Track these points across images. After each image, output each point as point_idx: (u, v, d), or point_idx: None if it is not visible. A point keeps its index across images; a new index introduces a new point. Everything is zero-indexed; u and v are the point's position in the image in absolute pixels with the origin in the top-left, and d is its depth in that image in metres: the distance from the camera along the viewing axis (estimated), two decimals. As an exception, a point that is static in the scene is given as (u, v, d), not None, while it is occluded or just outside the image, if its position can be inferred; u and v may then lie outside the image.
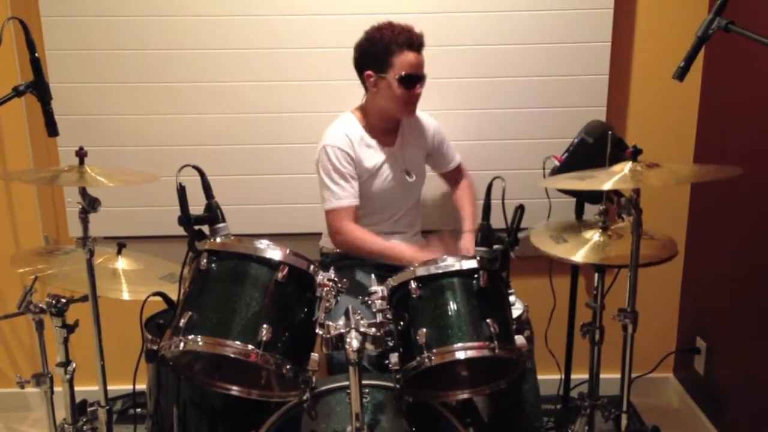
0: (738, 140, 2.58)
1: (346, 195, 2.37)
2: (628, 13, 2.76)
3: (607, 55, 2.74)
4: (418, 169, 2.58)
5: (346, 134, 2.42)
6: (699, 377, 2.89)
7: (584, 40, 2.72)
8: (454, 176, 2.73)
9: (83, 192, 1.91)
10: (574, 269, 2.67)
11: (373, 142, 2.47)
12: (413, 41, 2.33)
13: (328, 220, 2.40)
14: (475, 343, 1.63)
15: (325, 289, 1.73)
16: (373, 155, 2.46)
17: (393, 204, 2.54)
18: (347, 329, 1.64)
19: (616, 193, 2.05)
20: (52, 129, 1.88)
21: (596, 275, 2.24)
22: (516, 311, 2.16)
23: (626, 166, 1.86)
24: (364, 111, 2.50)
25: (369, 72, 2.38)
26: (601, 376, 2.31)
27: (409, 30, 2.34)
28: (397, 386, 1.73)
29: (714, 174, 1.86)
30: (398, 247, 2.37)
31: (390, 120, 2.48)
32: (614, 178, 1.82)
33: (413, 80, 2.34)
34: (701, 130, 2.86)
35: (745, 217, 2.52)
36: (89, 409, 2.14)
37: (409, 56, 2.32)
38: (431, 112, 2.62)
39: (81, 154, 1.96)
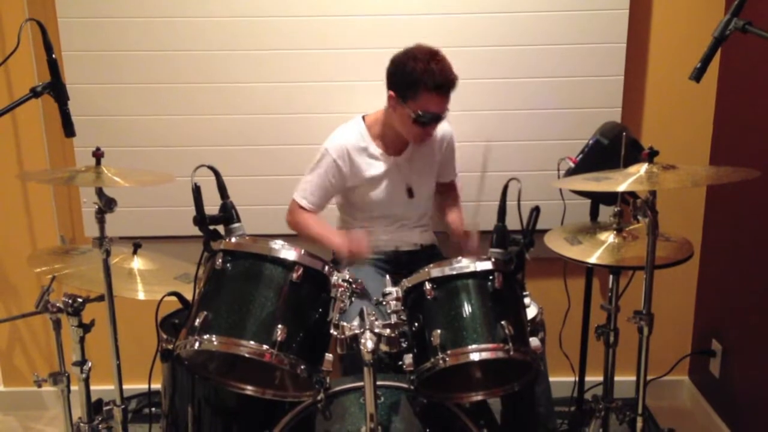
0: (755, 141, 2.56)
1: (310, 199, 2.48)
2: (643, 14, 2.74)
3: (623, 56, 2.73)
4: (423, 184, 2.56)
5: (347, 146, 2.45)
6: (714, 380, 2.87)
7: (599, 41, 2.71)
8: (446, 189, 2.70)
9: (100, 192, 1.92)
10: (589, 271, 2.66)
11: (378, 152, 2.48)
12: (443, 86, 2.27)
13: (291, 201, 2.52)
14: (490, 345, 1.63)
15: (340, 289, 1.73)
16: (374, 165, 2.47)
17: (394, 213, 2.54)
18: (362, 330, 1.64)
19: (632, 194, 2.04)
20: (69, 129, 1.89)
21: (611, 277, 2.23)
22: (530, 313, 2.15)
23: (642, 168, 1.86)
24: (379, 120, 2.49)
25: (392, 93, 2.35)
26: (616, 378, 2.29)
27: (445, 73, 2.27)
28: (411, 387, 1.73)
29: (731, 176, 1.85)
30: (329, 235, 2.41)
31: (401, 136, 2.46)
32: (630, 179, 1.82)
33: (430, 121, 2.32)
34: (717, 132, 2.84)
35: (762, 218, 2.50)
36: (105, 408, 2.16)
37: (434, 99, 2.28)
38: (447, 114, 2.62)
39: (98, 155, 1.97)
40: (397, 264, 2.50)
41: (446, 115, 2.38)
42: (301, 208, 2.48)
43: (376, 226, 2.54)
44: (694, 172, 1.90)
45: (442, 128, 2.57)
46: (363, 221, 2.56)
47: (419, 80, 2.26)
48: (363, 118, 2.53)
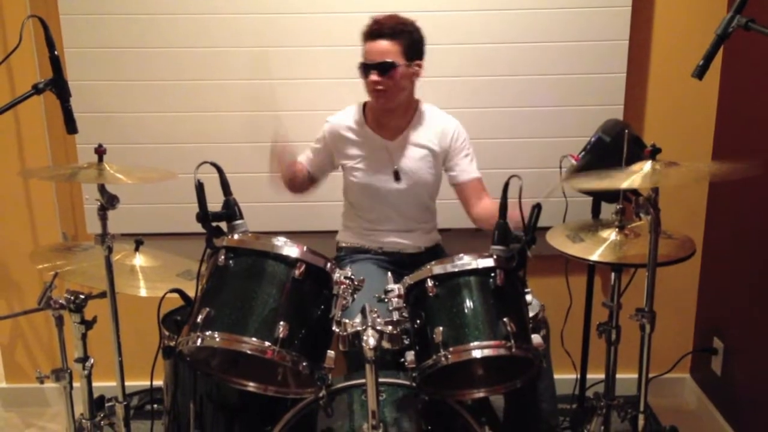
0: (757, 139, 2.55)
1: (306, 158, 2.62)
2: (646, 11, 2.74)
3: (625, 53, 2.73)
4: (414, 171, 2.51)
5: (340, 123, 2.54)
6: (716, 378, 2.87)
7: (602, 38, 2.71)
8: (469, 192, 2.55)
9: (102, 189, 1.92)
10: (591, 268, 2.66)
11: (367, 132, 2.50)
12: (370, 31, 2.35)
13: None
14: (492, 342, 1.63)
15: (342, 286, 1.73)
16: (361, 144, 2.50)
17: (383, 199, 2.52)
18: (364, 327, 1.64)
19: (634, 192, 2.04)
20: (71, 126, 1.89)
21: (613, 274, 2.23)
22: (532, 310, 2.15)
23: (645, 166, 1.85)
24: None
25: None
26: (618, 376, 2.29)
27: (375, 21, 2.36)
28: (414, 384, 1.73)
29: (733, 172, 1.85)
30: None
31: (386, 112, 2.48)
32: (633, 176, 1.81)
33: (365, 68, 2.36)
34: (720, 129, 2.84)
35: (764, 216, 2.49)
36: (107, 405, 2.16)
37: (368, 46, 2.36)
38: (449, 111, 2.61)
39: (100, 152, 1.97)
40: (401, 265, 2.50)
41: (393, 66, 2.33)
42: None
43: (378, 225, 2.55)
44: (696, 169, 1.90)
45: (443, 121, 2.53)
46: (362, 210, 2.57)
47: (362, 37, 2.39)
48: (365, 102, 2.55)
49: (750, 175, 1.75)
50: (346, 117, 2.54)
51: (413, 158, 2.51)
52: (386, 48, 2.34)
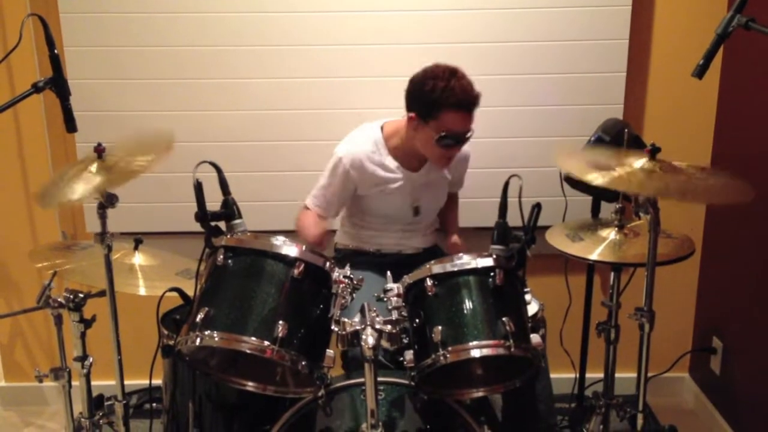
0: (757, 139, 2.55)
1: (318, 203, 2.42)
2: (646, 10, 2.74)
3: (625, 52, 2.72)
4: (433, 202, 2.52)
5: (360, 156, 2.37)
6: (715, 377, 2.87)
7: (602, 38, 2.70)
8: (449, 198, 2.67)
9: (101, 188, 1.91)
10: (590, 267, 2.66)
11: (394, 165, 2.40)
12: (464, 102, 2.20)
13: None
14: (491, 342, 1.63)
15: (341, 286, 1.73)
16: (387, 178, 2.40)
17: (396, 225, 2.52)
18: (363, 326, 1.64)
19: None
20: (71, 125, 1.89)
21: (612, 274, 2.23)
22: (531, 310, 2.15)
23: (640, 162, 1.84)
24: (398, 132, 2.40)
25: (413, 114, 2.26)
26: (617, 375, 2.29)
27: (466, 90, 2.21)
28: (412, 384, 1.73)
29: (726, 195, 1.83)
30: (306, 228, 2.37)
31: (420, 154, 2.38)
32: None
33: (453, 140, 2.23)
34: (719, 129, 2.83)
35: (763, 216, 2.49)
36: (106, 404, 2.15)
37: (456, 117, 2.20)
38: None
39: (99, 150, 1.97)
40: (399, 265, 2.49)
41: (471, 135, 2.29)
42: (308, 209, 2.44)
43: (379, 230, 2.54)
44: (694, 186, 1.85)
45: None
46: (363, 220, 2.55)
47: (440, 99, 2.18)
48: (381, 127, 2.44)
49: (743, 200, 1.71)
50: (366, 147, 2.39)
51: (435, 190, 2.50)
52: (472, 118, 2.26)
